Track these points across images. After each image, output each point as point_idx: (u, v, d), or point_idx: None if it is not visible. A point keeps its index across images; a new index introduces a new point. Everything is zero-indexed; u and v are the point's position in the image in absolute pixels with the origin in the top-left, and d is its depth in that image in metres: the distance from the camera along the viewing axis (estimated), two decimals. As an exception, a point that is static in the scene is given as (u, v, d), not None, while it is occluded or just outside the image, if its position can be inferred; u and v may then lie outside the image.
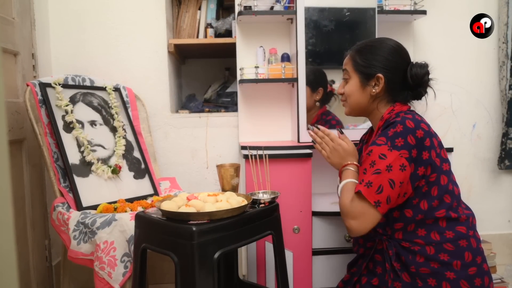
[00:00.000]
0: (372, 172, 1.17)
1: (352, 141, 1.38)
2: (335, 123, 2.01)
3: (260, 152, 1.56)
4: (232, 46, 2.21)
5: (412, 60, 1.33)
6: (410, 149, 1.16)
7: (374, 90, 1.30)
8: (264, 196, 1.45)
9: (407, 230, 1.22)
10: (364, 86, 1.32)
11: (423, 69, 1.29)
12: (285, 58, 2.12)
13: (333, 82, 2.03)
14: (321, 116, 2.03)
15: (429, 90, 1.33)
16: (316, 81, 1.99)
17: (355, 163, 1.33)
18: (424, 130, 1.19)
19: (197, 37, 2.31)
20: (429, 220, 1.20)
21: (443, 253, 1.18)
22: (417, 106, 1.44)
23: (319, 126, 1.42)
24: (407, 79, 1.29)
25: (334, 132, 1.40)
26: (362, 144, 1.48)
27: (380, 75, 1.28)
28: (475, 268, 1.18)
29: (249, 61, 2.16)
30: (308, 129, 1.47)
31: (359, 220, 1.18)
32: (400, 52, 1.32)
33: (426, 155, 1.18)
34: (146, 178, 1.92)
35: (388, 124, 1.23)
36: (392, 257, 1.21)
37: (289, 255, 1.73)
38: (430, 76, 1.31)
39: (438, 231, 1.20)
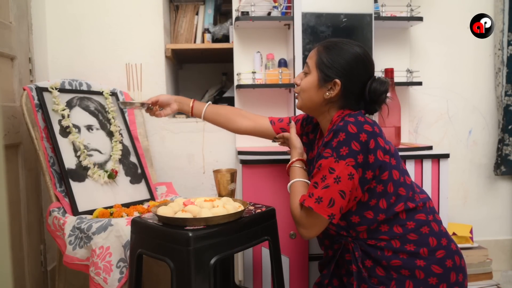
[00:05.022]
0: (322, 187, 1.16)
1: None
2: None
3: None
4: (229, 51, 2.22)
5: (374, 74, 1.29)
6: (356, 155, 1.15)
7: (328, 94, 1.26)
8: None
9: (370, 229, 1.22)
10: (320, 86, 1.27)
11: (383, 86, 1.25)
12: (282, 63, 2.12)
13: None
14: None
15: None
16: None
17: (300, 158, 1.37)
18: (368, 132, 1.17)
19: (194, 42, 2.31)
20: (390, 216, 1.21)
21: (408, 244, 1.20)
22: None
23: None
24: (365, 92, 1.25)
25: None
26: (310, 142, 1.47)
27: (337, 80, 1.24)
28: (442, 251, 1.20)
29: (246, 66, 2.17)
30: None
31: (309, 229, 1.22)
32: (364, 62, 1.26)
33: (372, 158, 1.17)
34: (143, 183, 1.91)
35: (333, 129, 1.21)
36: (358, 258, 1.22)
37: (285, 261, 1.73)
38: (388, 95, 1.28)
39: (399, 224, 1.21)
